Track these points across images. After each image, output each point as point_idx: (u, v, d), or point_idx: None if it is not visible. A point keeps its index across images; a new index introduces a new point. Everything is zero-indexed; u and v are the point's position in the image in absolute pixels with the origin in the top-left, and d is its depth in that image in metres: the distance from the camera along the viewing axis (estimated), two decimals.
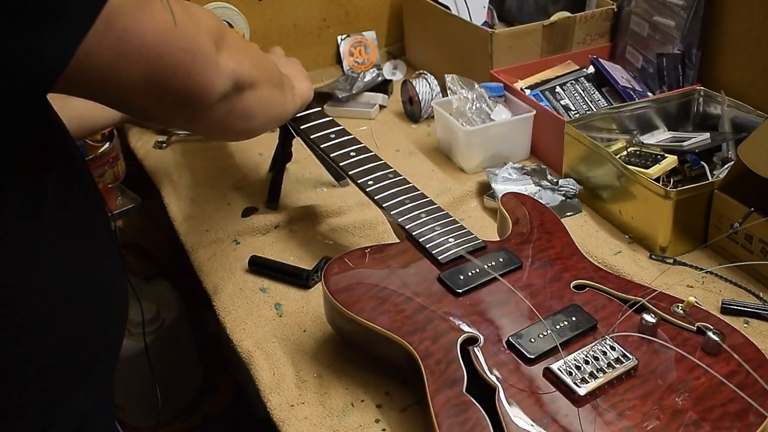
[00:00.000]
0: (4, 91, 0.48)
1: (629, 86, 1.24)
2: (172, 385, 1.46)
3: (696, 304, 0.74)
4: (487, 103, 1.18)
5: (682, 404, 0.64)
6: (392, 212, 0.85)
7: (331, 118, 1.00)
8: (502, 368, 0.68)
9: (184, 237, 1.05)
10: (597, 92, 1.24)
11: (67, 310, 0.57)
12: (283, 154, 1.09)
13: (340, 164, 0.92)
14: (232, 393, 1.63)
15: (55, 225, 0.55)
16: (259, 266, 0.96)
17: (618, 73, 1.26)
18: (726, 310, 0.86)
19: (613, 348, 0.69)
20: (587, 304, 0.75)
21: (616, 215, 1.02)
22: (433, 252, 0.80)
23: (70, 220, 0.57)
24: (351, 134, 0.97)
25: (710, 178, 1.00)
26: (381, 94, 1.41)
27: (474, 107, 1.17)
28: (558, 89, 1.23)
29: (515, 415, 0.63)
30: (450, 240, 0.81)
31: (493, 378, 0.66)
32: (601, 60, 1.27)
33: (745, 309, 0.86)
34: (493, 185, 1.08)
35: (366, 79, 1.40)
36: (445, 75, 1.20)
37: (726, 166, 1.02)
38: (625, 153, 1.06)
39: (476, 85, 1.19)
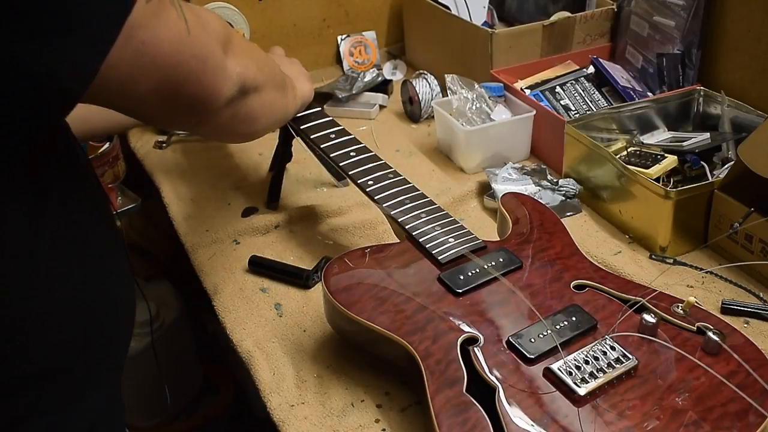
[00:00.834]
0: (25, 107, 0.48)
1: (629, 86, 1.24)
2: (172, 385, 1.46)
3: (696, 304, 0.74)
4: (487, 103, 1.18)
5: (682, 404, 0.64)
6: (392, 212, 0.85)
7: (331, 118, 1.00)
8: (502, 368, 0.68)
9: (184, 237, 1.05)
10: (597, 92, 1.24)
11: (70, 310, 0.56)
12: (283, 154, 1.09)
13: (340, 164, 0.92)
14: (232, 393, 1.63)
15: (58, 224, 0.55)
16: (259, 266, 0.96)
17: (618, 73, 1.26)
18: (726, 310, 0.86)
19: (613, 348, 0.69)
20: (587, 304, 0.75)
21: (616, 215, 1.02)
22: (433, 252, 0.80)
23: (73, 219, 0.57)
24: (351, 134, 0.97)
25: (710, 178, 1.00)
26: (381, 94, 1.41)
27: (474, 107, 1.17)
28: (558, 89, 1.23)
29: (515, 415, 0.63)
30: (450, 240, 0.81)
31: (493, 378, 0.66)
32: (601, 60, 1.27)
33: (745, 309, 0.86)
34: (493, 185, 1.08)
35: (366, 79, 1.40)
36: (445, 75, 1.20)
37: (726, 166, 1.02)
38: (625, 153, 1.06)
39: (476, 85, 1.19)
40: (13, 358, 0.53)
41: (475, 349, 0.69)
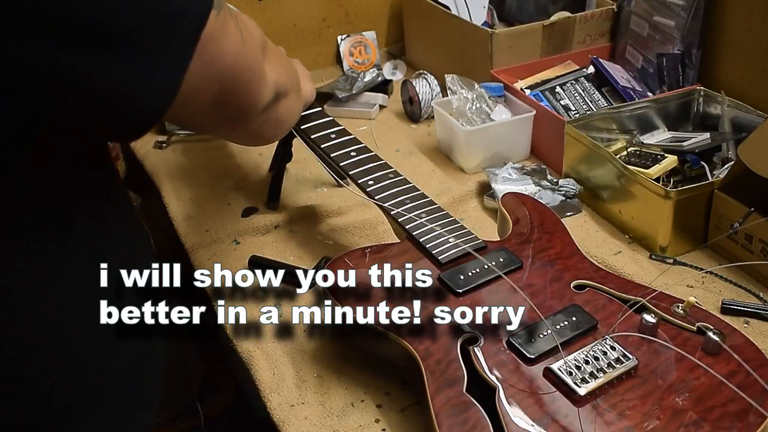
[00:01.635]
0: (120, 129, 0.48)
1: (629, 86, 1.24)
2: (172, 385, 1.46)
3: (696, 304, 0.74)
4: (487, 103, 1.18)
5: (683, 404, 0.64)
6: (392, 212, 0.85)
7: (331, 118, 1.00)
8: (503, 368, 0.68)
9: (184, 237, 1.05)
10: (597, 92, 1.24)
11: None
12: (283, 154, 1.09)
13: (341, 164, 0.92)
14: (232, 393, 1.63)
15: (90, 237, 0.55)
16: (259, 266, 0.96)
17: (618, 73, 1.26)
18: (726, 310, 0.86)
19: (613, 348, 0.69)
20: (587, 304, 0.75)
21: (616, 215, 1.02)
22: (434, 252, 0.80)
23: (102, 231, 0.57)
24: (351, 134, 0.97)
25: (710, 178, 1.00)
26: (381, 94, 1.41)
27: (474, 107, 1.17)
28: (558, 89, 1.23)
29: (515, 415, 0.63)
30: (450, 240, 0.81)
31: (493, 378, 0.66)
32: (601, 60, 1.27)
33: (745, 309, 0.86)
34: (493, 185, 1.08)
35: (366, 79, 1.40)
36: (445, 75, 1.20)
37: (726, 166, 1.02)
38: (625, 153, 1.06)
39: (476, 85, 1.19)
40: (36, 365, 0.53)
41: (476, 348, 0.69)
